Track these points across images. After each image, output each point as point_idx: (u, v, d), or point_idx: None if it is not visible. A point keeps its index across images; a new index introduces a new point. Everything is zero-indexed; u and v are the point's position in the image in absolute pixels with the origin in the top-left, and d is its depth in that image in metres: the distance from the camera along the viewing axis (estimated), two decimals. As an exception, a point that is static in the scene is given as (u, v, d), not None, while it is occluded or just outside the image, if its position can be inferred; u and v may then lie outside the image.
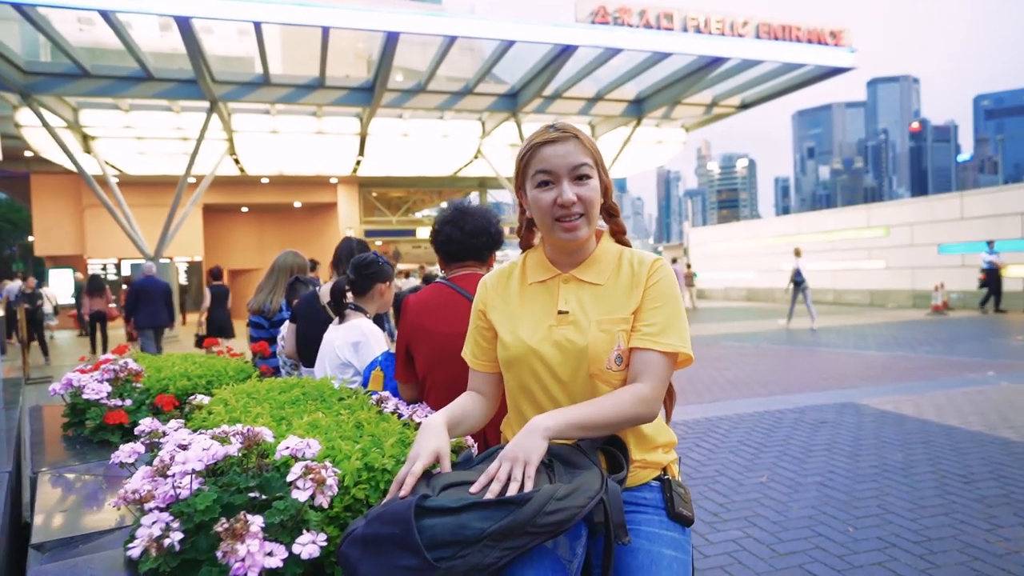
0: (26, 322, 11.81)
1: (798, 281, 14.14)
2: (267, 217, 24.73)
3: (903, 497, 3.63)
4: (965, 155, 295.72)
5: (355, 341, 2.43)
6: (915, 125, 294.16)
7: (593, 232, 1.41)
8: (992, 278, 14.63)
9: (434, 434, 1.25)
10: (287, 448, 1.22)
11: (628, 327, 1.34)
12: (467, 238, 1.93)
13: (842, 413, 5.65)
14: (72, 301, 20.31)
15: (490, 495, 1.08)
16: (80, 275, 16.88)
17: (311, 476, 1.13)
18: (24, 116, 14.90)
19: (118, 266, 21.00)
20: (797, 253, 14.54)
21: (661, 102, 16.58)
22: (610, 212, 1.48)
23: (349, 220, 23.86)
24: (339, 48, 14.83)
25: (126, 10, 11.09)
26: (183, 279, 22.13)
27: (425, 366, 1.85)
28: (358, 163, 20.13)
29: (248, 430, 1.28)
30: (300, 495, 1.12)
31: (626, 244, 1.48)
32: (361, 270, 2.52)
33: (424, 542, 1.00)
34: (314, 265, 6.40)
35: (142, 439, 1.72)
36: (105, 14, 10.97)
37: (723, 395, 6.77)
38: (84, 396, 2.40)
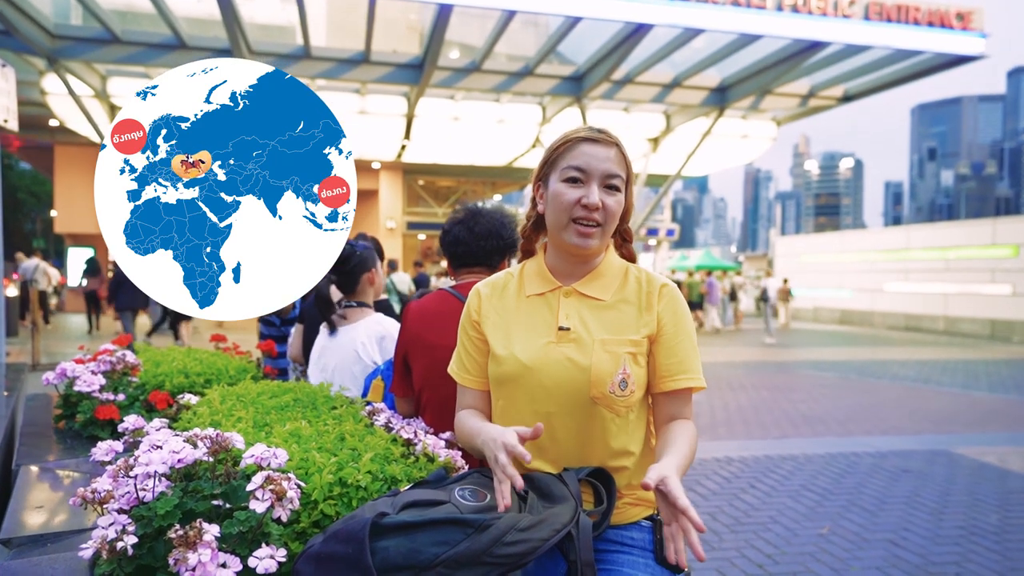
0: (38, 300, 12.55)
1: (766, 299, 18.60)
2: (302, 201, 25.41)
3: (990, 566, 3.53)
4: None
5: (380, 336, 2.50)
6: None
7: (604, 245, 1.48)
8: None
9: (497, 430, 1.29)
10: (252, 456, 1.32)
11: (636, 351, 1.40)
12: (476, 240, 2.01)
13: (931, 462, 5.49)
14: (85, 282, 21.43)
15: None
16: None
17: (271, 487, 1.22)
18: (50, 83, 15.73)
19: (139, 248, 21.95)
20: (768, 274, 19.85)
21: (748, 91, 16.33)
22: (624, 237, 1.55)
23: (391, 210, 24.32)
24: (388, 19, 15.11)
25: (161, -27, 11.65)
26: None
27: (422, 380, 1.93)
28: (403, 147, 20.49)
29: (217, 435, 1.38)
30: (258, 506, 1.21)
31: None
32: (341, 267, 2.56)
33: (376, 564, 1.07)
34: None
35: (125, 437, 1.85)
36: (139, -24, 11.57)
37: (792, 431, 6.67)
38: (76, 388, 2.56)
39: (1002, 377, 10.87)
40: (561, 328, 1.42)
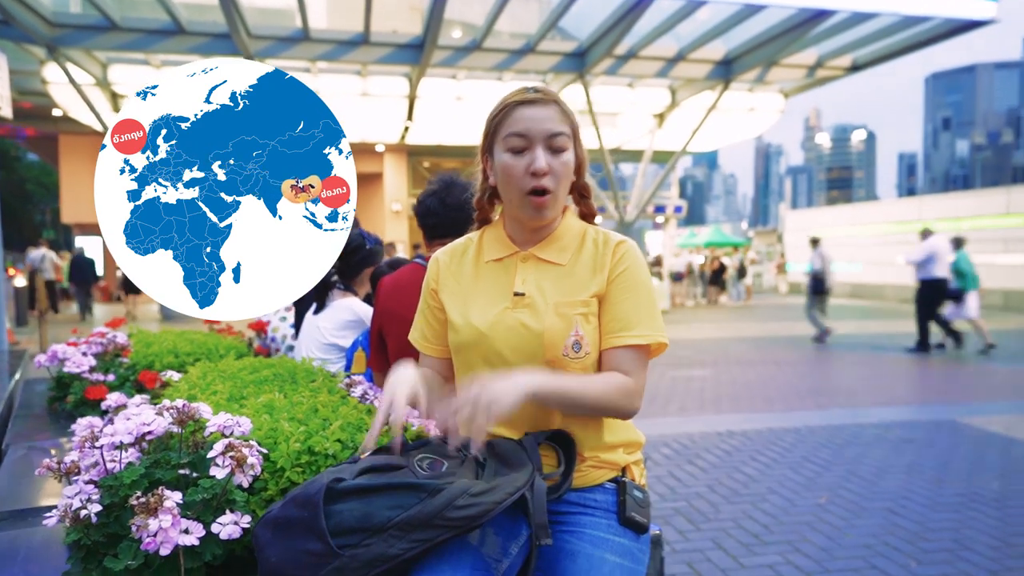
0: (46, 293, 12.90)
1: (702, 275, 22.18)
2: (307, 186, 25.44)
3: (988, 532, 3.53)
4: None
5: (347, 320, 2.55)
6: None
7: (559, 210, 1.47)
8: None
9: (407, 379, 1.33)
10: (216, 425, 1.34)
11: (587, 311, 1.39)
12: (447, 211, 2.01)
13: (935, 432, 5.49)
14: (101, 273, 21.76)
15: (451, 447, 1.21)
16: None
17: (231, 454, 1.24)
18: (51, 72, 15.75)
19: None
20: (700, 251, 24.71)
21: (754, 63, 16.11)
22: (582, 193, 1.53)
23: (396, 192, 24.28)
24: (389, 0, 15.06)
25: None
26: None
27: (396, 353, 1.95)
28: (406, 129, 20.45)
29: (184, 405, 1.40)
30: (218, 472, 1.23)
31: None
32: (348, 257, 2.63)
33: (330, 528, 1.09)
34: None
35: (108, 414, 1.88)
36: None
37: (798, 404, 6.67)
38: (66, 369, 2.61)
39: (1012, 348, 10.79)
40: (516, 294, 1.41)
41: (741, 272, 23.76)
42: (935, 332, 10.53)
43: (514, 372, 1.27)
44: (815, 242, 13.19)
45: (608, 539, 1.33)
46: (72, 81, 14.46)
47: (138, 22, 13.83)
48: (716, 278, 23.53)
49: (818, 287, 12.38)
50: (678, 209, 31.51)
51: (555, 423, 1.39)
